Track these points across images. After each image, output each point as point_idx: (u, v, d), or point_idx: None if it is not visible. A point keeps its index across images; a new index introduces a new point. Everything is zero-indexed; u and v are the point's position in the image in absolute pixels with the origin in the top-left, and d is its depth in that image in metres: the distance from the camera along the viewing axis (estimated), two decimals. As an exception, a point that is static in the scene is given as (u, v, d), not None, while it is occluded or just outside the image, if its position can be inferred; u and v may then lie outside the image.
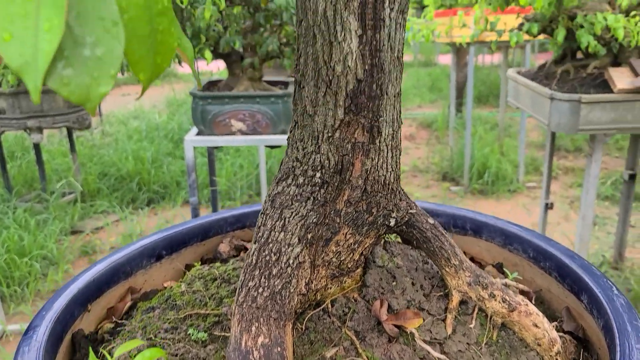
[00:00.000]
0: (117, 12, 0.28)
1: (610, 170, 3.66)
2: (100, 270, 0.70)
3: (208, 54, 1.76)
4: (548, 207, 2.42)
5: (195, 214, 2.03)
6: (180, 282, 0.75)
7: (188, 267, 0.82)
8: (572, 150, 4.16)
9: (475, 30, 2.02)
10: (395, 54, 0.56)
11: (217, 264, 0.78)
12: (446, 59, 8.67)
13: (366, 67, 0.54)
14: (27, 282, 2.26)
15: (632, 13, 1.84)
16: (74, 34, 0.27)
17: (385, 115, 0.57)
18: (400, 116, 0.59)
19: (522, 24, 2.03)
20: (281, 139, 1.93)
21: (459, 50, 4.02)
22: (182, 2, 1.47)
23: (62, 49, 0.26)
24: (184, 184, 3.35)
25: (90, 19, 0.27)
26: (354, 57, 0.54)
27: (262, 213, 0.59)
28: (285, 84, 2.14)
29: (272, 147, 2.08)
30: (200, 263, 0.84)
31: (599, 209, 3.12)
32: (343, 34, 0.53)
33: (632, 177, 2.36)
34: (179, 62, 1.83)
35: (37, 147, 2.97)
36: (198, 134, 1.97)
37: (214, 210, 2.50)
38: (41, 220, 2.72)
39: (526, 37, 2.06)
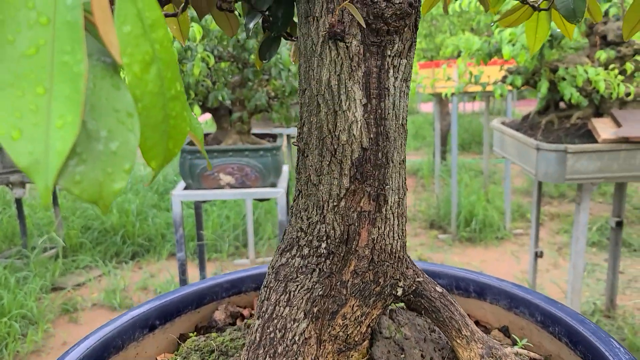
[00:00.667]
0: (132, 102, 0.27)
1: (595, 215, 3.69)
2: (90, 346, 0.66)
3: (197, 109, 1.76)
4: (537, 255, 2.42)
5: (183, 270, 1.98)
6: (175, 355, 0.71)
7: (182, 336, 0.79)
8: (557, 196, 4.20)
9: (459, 84, 2.06)
10: (400, 122, 0.55)
11: (213, 334, 0.75)
12: (428, 107, 8.85)
13: (371, 136, 0.53)
14: (5, 343, 2.16)
15: (611, 66, 1.89)
16: (87, 128, 0.25)
17: (391, 183, 0.55)
18: (405, 183, 0.58)
19: (505, 77, 2.07)
20: (270, 192, 1.91)
21: (441, 99, 4.10)
22: (172, 60, 1.48)
23: (74, 145, 0.25)
24: (169, 236, 3.29)
25: (104, 111, 0.26)
26: (359, 126, 0.53)
27: (265, 286, 0.56)
28: (273, 137, 2.15)
29: (261, 200, 2.06)
30: (194, 332, 0.80)
31: (586, 255, 3.12)
32: (348, 103, 0.52)
33: (619, 224, 2.37)
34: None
35: (18, 202, 2.91)
36: (186, 188, 1.95)
37: (201, 264, 2.45)
38: (21, 278, 2.64)
39: (509, 87, 2.11)
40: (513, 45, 1.84)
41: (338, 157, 0.53)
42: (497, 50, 2.00)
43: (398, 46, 0.52)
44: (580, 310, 2.38)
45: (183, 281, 2.02)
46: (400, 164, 0.56)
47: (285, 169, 2.11)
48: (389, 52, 0.52)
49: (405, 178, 0.57)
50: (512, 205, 3.79)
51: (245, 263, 3.06)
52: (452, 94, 2.57)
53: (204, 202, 3.13)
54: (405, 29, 0.52)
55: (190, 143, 2.02)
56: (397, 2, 0.50)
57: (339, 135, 0.53)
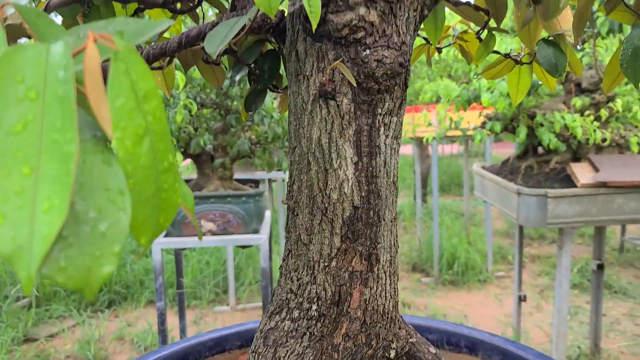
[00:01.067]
0: (124, 179, 0.25)
1: (575, 257, 3.72)
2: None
3: (179, 155, 1.74)
4: (521, 299, 2.41)
5: (162, 320, 1.92)
6: (156, 422, 0.67)
7: (163, 400, 0.75)
8: (537, 238, 4.23)
9: (440, 129, 2.09)
10: (391, 179, 0.55)
11: (196, 397, 0.71)
12: (407, 149, 8.95)
13: (363, 194, 0.52)
14: (-30, 402, 2.05)
15: (587, 112, 1.94)
16: (75, 209, 0.24)
17: (383, 241, 0.54)
18: (397, 241, 0.57)
19: (484, 123, 2.11)
20: (252, 239, 1.88)
21: (421, 142, 4.15)
22: (154, 107, 1.47)
23: (61, 228, 0.23)
24: (148, 283, 3.21)
25: (94, 190, 0.24)
26: (350, 184, 0.52)
27: (253, 352, 0.54)
28: (256, 182, 2.13)
29: (243, 247, 2.02)
30: (176, 395, 0.76)
31: (569, 297, 3.12)
32: (339, 161, 0.52)
33: (600, 267, 2.39)
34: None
35: (-9, 248, 2.82)
36: (166, 235, 1.91)
37: (180, 312, 2.38)
38: (-9, 329, 2.53)
39: (488, 132, 2.14)
40: (491, 92, 1.88)
41: (329, 215, 0.52)
42: (476, 97, 2.04)
43: (389, 104, 0.52)
44: (565, 355, 2.36)
45: (162, 332, 1.95)
46: (391, 221, 0.55)
47: (268, 214, 2.09)
48: (379, 110, 0.52)
49: (396, 235, 0.56)
50: (493, 247, 3.80)
51: (225, 310, 2.99)
52: (433, 138, 2.60)
53: (184, 249, 3.07)
54: (396, 88, 0.52)
55: (171, 189, 1.99)
56: (388, 62, 0.50)
57: (329, 194, 0.52)
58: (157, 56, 0.53)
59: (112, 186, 0.25)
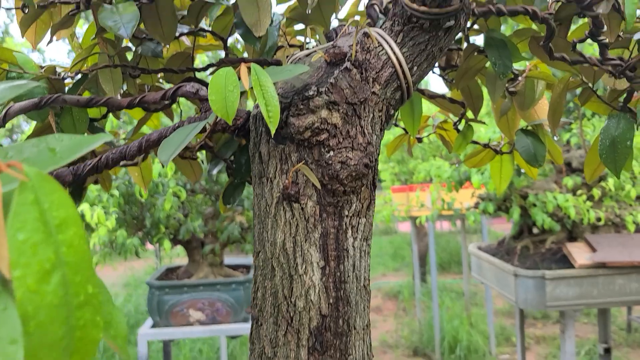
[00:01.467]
0: (18, 325, 0.22)
1: (581, 338, 3.58)
2: None
3: (167, 243, 1.71)
4: (528, 387, 2.29)
5: (145, 419, 1.81)
6: None
7: None
8: (540, 318, 4.10)
9: (433, 211, 2.07)
10: (362, 283, 0.51)
11: None
12: (406, 227, 8.90)
13: (331, 301, 0.49)
14: None
15: (579, 192, 1.93)
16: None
17: (354, 352, 0.50)
18: (370, 350, 0.52)
19: (477, 203, 2.10)
20: (242, 328, 1.81)
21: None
22: (141, 196, 1.46)
23: None
24: (136, 374, 3.06)
25: (-21, 342, 0.21)
26: (317, 291, 0.49)
27: None
28: (247, 268, 2.08)
29: (232, 337, 1.94)
30: None
31: (578, 383, 2.97)
32: (304, 267, 0.49)
33: (608, 350, 2.28)
34: (137, 254, 1.76)
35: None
36: (153, 325, 1.83)
37: (168, 408, 2.24)
38: None
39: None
40: (482, 174, 1.88)
41: (295, 325, 0.49)
42: (467, 177, 2.04)
43: (356, 206, 0.50)
44: None
45: None
46: (363, 329, 0.51)
47: (259, 301, 2.03)
48: (346, 212, 0.50)
49: (370, 345, 0.52)
50: (495, 328, 3.67)
51: (217, 402, 2.83)
52: (427, 220, 2.58)
53: (172, 340, 2.96)
54: (363, 188, 0.50)
55: (160, 277, 1.94)
56: (353, 163, 0.48)
57: (295, 302, 0.49)
58: (116, 160, 0.51)
59: (2, 335, 0.22)
